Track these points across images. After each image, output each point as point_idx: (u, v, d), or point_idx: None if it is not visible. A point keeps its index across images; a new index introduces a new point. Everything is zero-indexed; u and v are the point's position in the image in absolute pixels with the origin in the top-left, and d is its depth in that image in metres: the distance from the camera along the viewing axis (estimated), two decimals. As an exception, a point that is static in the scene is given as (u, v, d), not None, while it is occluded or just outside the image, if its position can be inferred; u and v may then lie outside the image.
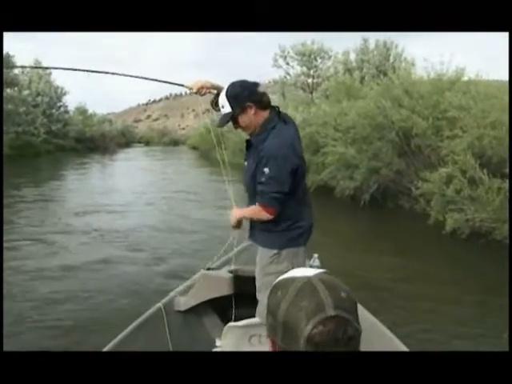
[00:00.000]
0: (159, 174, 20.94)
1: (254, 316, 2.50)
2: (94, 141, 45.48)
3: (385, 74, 15.81)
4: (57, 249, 7.36)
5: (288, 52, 24.81)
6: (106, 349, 2.47)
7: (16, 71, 34.31)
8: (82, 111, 48.11)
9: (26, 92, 36.08)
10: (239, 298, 3.04)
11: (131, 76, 3.26)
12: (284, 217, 2.45)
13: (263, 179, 2.35)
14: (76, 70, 3.01)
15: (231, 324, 2.27)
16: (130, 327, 2.78)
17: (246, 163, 2.58)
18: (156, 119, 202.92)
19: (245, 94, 2.41)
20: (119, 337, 2.64)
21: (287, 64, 25.22)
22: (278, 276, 1.29)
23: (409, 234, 8.63)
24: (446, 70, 10.73)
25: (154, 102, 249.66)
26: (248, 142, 2.56)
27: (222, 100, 2.49)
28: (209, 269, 3.36)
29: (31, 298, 5.07)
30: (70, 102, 51.31)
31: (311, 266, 2.90)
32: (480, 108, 8.37)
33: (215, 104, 2.63)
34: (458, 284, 5.72)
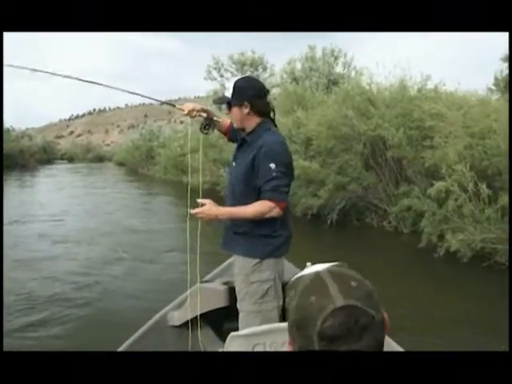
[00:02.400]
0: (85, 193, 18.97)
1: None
2: (11, 158, 42.57)
3: (334, 83, 15.07)
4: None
5: (222, 64, 24.02)
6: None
7: None
8: (-3, 126, 44.96)
9: None
10: (233, 310, 2.84)
11: (127, 91, 3.24)
12: (270, 222, 2.42)
13: (273, 174, 2.32)
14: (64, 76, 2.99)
15: (234, 333, 2.11)
16: (125, 345, 2.78)
17: (234, 162, 2.60)
18: (79, 135, 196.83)
19: (248, 93, 2.44)
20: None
21: (221, 76, 24.42)
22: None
23: (388, 255, 7.64)
24: (409, 76, 9.92)
25: (77, 117, 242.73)
26: (241, 139, 2.55)
27: (231, 84, 2.57)
28: (203, 281, 3.27)
29: None
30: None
31: None
32: (460, 116, 7.57)
33: (204, 127, 2.71)
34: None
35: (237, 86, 2.48)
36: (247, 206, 2.39)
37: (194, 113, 2.68)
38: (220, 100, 2.71)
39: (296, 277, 0.95)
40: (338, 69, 16.00)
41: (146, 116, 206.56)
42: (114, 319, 4.82)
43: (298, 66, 16.49)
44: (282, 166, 2.35)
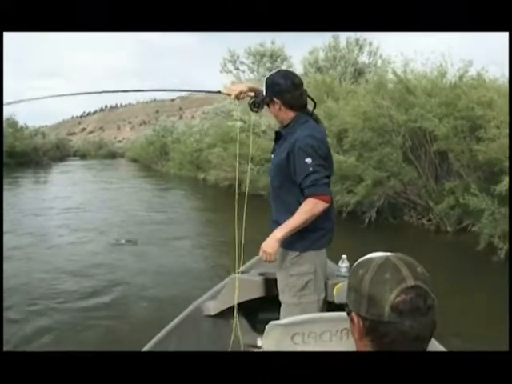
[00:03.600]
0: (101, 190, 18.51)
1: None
2: (25, 155, 42.39)
3: (360, 73, 14.39)
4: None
5: (238, 56, 23.48)
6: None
7: None
8: (11, 123, 44.75)
9: None
10: (268, 301, 2.93)
11: (155, 90, 4.47)
12: None
13: (310, 169, 2.30)
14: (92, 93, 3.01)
15: (274, 322, 2.01)
16: (161, 334, 2.79)
17: (272, 155, 2.62)
18: (91, 132, 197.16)
19: (276, 89, 2.45)
20: (150, 344, 2.65)
21: (237, 69, 23.89)
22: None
23: (434, 255, 6.98)
24: (450, 64, 9.18)
25: (89, 114, 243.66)
26: (277, 133, 2.58)
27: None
28: (238, 272, 3.18)
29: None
30: (-2, 113, 47.60)
31: (340, 267, 3.00)
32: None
33: (254, 105, 2.62)
34: None
35: (266, 83, 2.49)
36: (295, 215, 2.35)
37: (242, 95, 2.67)
38: (258, 99, 2.59)
39: (363, 259, 1.07)
40: (364, 58, 15.37)
41: (157, 112, 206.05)
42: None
43: (321, 55, 15.86)
44: (319, 158, 2.32)
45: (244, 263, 3.37)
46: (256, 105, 2.60)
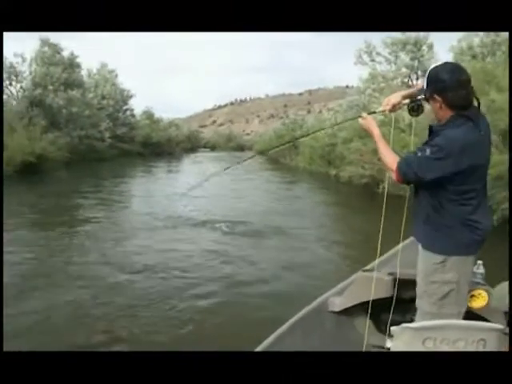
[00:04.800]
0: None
1: (408, 321, 2.37)
2: (160, 146, 44.30)
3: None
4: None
5: (374, 47, 22.29)
6: (262, 345, 2.52)
7: (82, 73, 32.92)
8: (149, 115, 47.04)
9: (90, 94, 34.55)
10: (396, 302, 2.70)
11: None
12: (455, 216, 2.25)
13: (419, 153, 2.23)
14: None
15: (405, 325, 2.03)
16: (287, 324, 2.80)
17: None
18: (221, 124, 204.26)
19: (438, 86, 2.23)
20: (276, 333, 2.67)
21: (372, 60, 22.70)
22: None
23: None
24: None
25: (219, 107, 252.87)
26: (430, 128, 2.41)
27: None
28: (366, 270, 3.18)
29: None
30: (136, 105, 50.49)
31: (475, 273, 2.71)
32: None
33: (411, 110, 2.51)
34: None
35: (429, 77, 2.29)
36: (390, 151, 2.40)
37: (397, 107, 2.57)
38: (414, 109, 2.49)
39: None
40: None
41: (285, 106, 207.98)
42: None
43: (476, 40, 13.98)
44: (438, 152, 2.17)
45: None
46: (415, 108, 2.48)
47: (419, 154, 2.22)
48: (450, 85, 2.18)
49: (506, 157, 7.60)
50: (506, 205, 7.53)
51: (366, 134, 12.49)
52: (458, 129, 2.20)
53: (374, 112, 2.68)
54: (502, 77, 9.99)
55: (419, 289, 2.42)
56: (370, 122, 2.53)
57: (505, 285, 2.95)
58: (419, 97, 2.46)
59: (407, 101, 2.53)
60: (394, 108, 2.55)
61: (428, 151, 2.19)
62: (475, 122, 2.22)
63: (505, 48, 11.91)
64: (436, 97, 2.23)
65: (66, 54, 29.64)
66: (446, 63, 2.28)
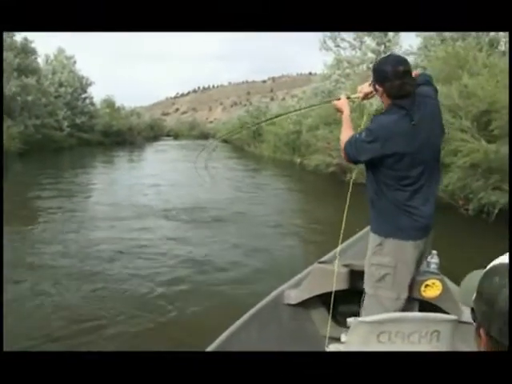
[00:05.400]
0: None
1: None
2: (121, 135, 43.13)
3: (491, 45, 12.25)
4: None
5: (338, 32, 21.98)
6: (219, 339, 2.54)
7: (38, 60, 31.56)
8: (109, 104, 45.70)
9: (47, 82, 33.18)
10: (351, 294, 2.88)
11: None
12: (391, 200, 2.37)
13: (357, 135, 2.39)
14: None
15: (359, 319, 2.04)
16: (242, 319, 2.81)
17: None
18: (184, 112, 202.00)
19: (378, 75, 2.38)
20: (231, 328, 2.68)
21: (337, 46, 22.41)
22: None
23: None
24: None
25: (182, 95, 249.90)
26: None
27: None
28: (322, 262, 3.19)
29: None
30: (96, 93, 49.00)
31: (429, 263, 2.81)
32: None
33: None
34: None
35: (372, 68, 2.47)
36: (348, 132, 2.50)
37: (371, 95, 2.63)
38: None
39: (501, 263, 0.86)
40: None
41: (248, 93, 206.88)
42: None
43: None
44: (368, 136, 2.33)
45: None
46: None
47: (357, 136, 2.38)
48: (388, 75, 2.31)
49: (483, 144, 7.35)
50: (483, 194, 7.29)
51: (332, 121, 12.12)
52: (390, 116, 2.34)
53: (349, 97, 2.77)
54: (474, 61, 9.78)
55: (365, 273, 2.54)
56: (343, 103, 2.66)
57: (475, 274, 2.71)
58: None
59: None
60: (366, 96, 2.64)
61: (363, 134, 2.35)
62: (408, 112, 2.31)
63: (474, 33, 11.69)
64: (377, 86, 2.39)
65: (18, 38, 28.27)
66: (389, 55, 2.50)
